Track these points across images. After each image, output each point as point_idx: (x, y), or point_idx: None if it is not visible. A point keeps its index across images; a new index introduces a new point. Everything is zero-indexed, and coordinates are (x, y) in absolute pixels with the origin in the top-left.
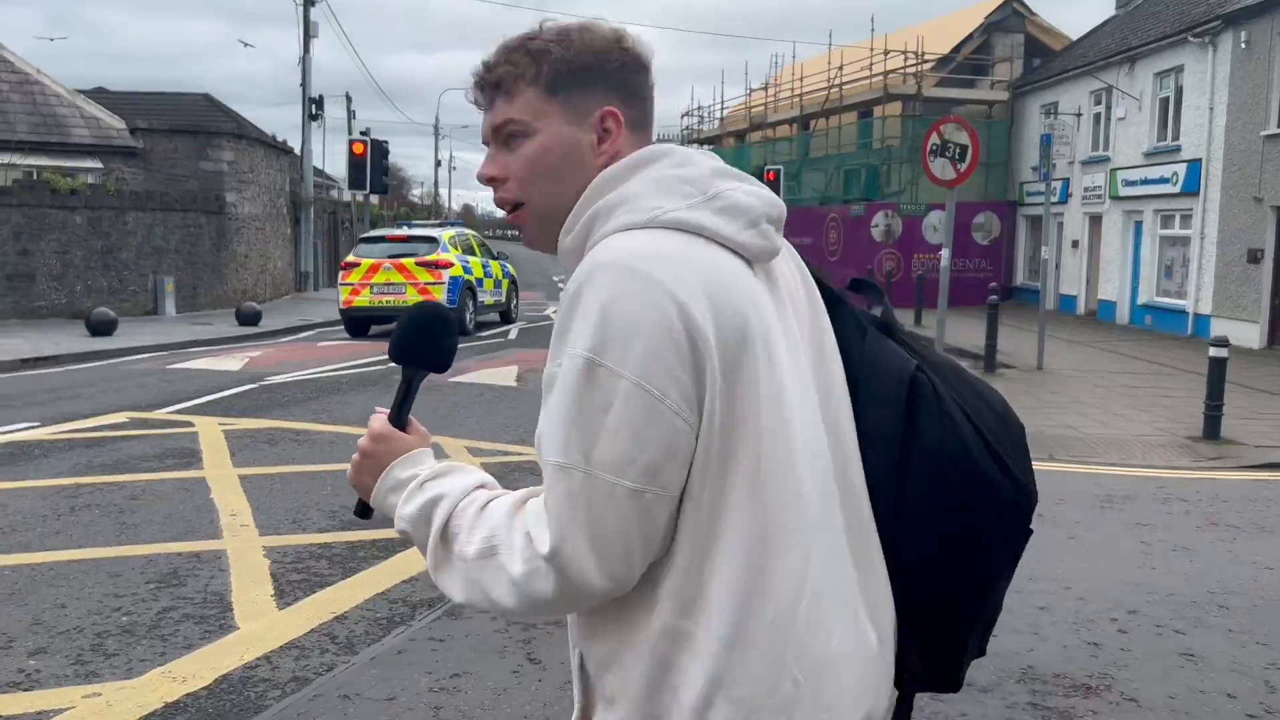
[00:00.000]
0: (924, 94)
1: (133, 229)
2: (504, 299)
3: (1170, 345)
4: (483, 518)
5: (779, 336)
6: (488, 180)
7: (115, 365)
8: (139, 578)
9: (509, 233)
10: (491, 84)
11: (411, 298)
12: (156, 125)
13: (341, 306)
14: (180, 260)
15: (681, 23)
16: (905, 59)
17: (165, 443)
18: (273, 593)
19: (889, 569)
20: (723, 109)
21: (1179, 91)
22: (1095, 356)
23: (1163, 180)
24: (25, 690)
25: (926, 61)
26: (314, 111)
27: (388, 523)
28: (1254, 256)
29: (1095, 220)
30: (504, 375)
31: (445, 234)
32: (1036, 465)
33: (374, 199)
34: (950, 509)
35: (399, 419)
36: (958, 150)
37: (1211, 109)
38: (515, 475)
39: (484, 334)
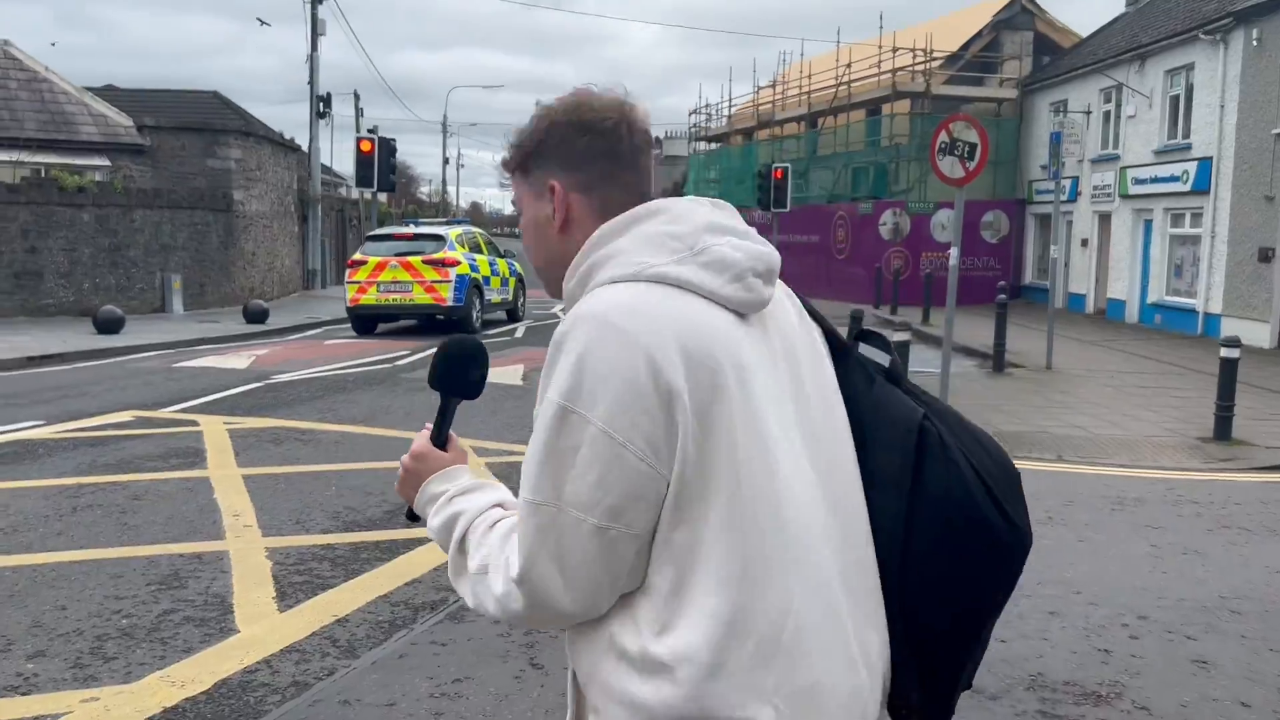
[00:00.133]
0: (932, 92)
1: (140, 227)
2: (511, 297)
3: (1180, 344)
4: (487, 537)
5: (762, 383)
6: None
7: (122, 363)
8: (140, 579)
9: (516, 230)
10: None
11: (418, 296)
12: (164, 123)
13: (348, 304)
14: (187, 258)
15: (690, 20)
16: (914, 56)
17: (170, 442)
18: (274, 595)
19: (894, 606)
20: (730, 106)
21: (1189, 89)
22: (1104, 356)
23: (1173, 179)
24: (23, 694)
25: (935, 59)
26: (321, 109)
27: (389, 524)
28: (1265, 255)
29: (1105, 219)
30: (510, 374)
31: (452, 232)
32: (1046, 466)
33: (382, 197)
34: (954, 551)
35: (439, 438)
36: (966, 148)
37: (1222, 107)
38: (518, 476)
39: (491, 332)
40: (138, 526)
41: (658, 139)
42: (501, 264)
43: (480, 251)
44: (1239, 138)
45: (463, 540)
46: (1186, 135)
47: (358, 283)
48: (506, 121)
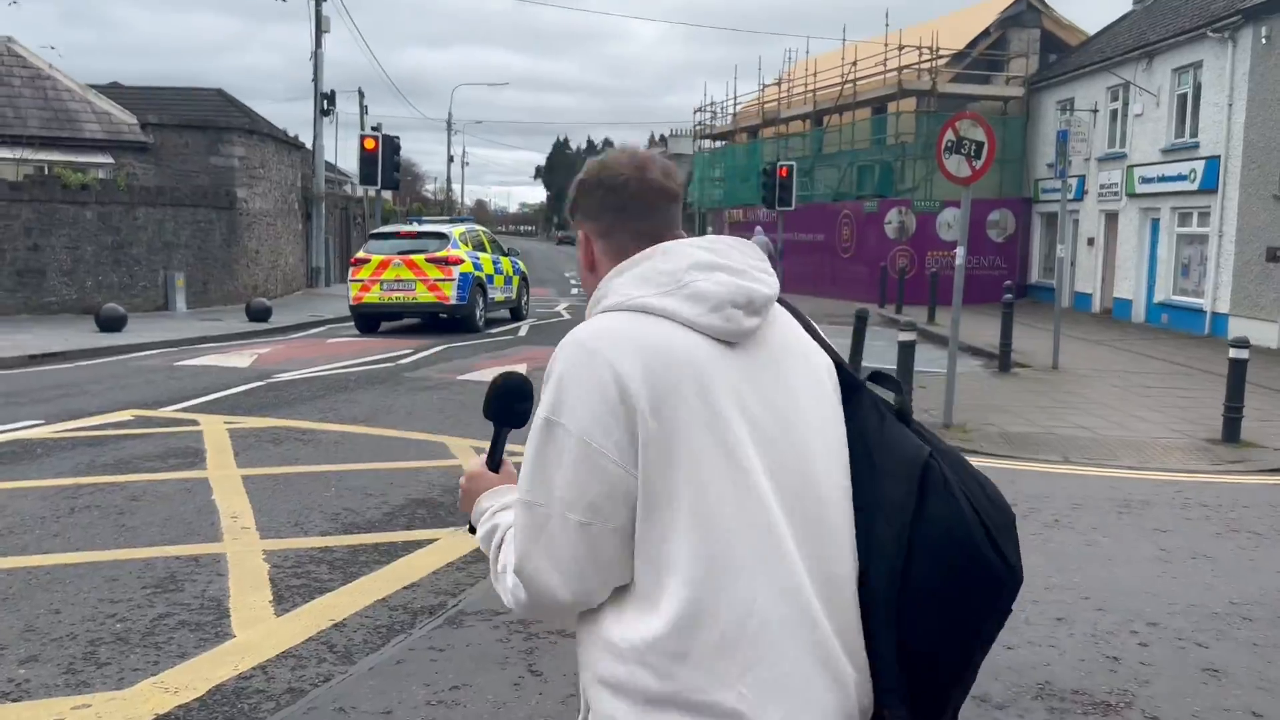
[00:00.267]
0: (939, 90)
1: (143, 224)
2: (514, 295)
3: (1187, 344)
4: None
5: (733, 401)
6: None
7: (124, 361)
8: (135, 582)
9: (521, 228)
10: None
11: (421, 294)
12: (167, 120)
13: (351, 303)
14: (191, 256)
15: (695, 18)
16: (920, 54)
17: (169, 441)
18: (271, 598)
19: (889, 629)
20: (735, 104)
21: (1197, 88)
22: (1111, 355)
23: (1180, 177)
24: (14, 700)
25: (941, 57)
26: (326, 107)
27: (388, 526)
28: (1273, 255)
29: (1111, 217)
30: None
31: (456, 230)
32: (1052, 467)
33: (386, 194)
34: (949, 582)
35: (493, 462)
36: (973, 147)
37: (1230, 105)
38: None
39: (494, 330)
40: (135, 528)
41: (662, 137)
42: (505, 262)
43: (484, 250)
44: (1247, 136)
45: (499, 547)
46: (1194, 134)
47: (361, 281)
48: (511, 119)
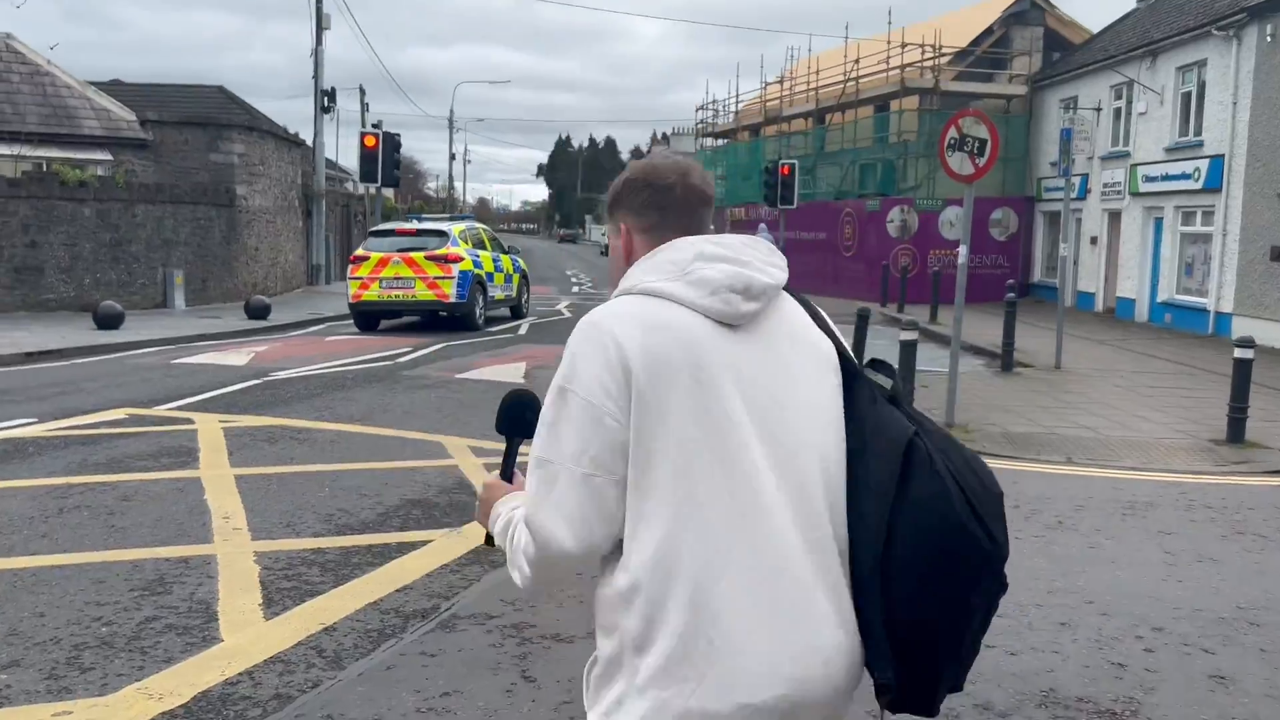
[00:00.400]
0: (941, 88)
1: (142, 221)
2: (515, 294)
3: (1191, 344)
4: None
5: (728, 376)
6: None
7: (121, 359)
8: (123, 585)
9: (523, 227)
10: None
11: (420, 292)
12: (167, 117)
13: (350, 301)
14: (190, 253)
15: (698, 16)
16: (923, 52)
17: (163, 440)
18: (261, 601)
19: (877, 598)
20: (738, 103)
21: (1201, 86)
22: (1114, 355)
23: (1184, 176)
24: None
25: (944, 55)
26: (326, 104)
27: (382, 527)
28: (1277, 254)
29: (1114, 216)
30: (512, 372)
31: (455, 228)
32: (1055, 468)
33: (388, 192)
34: (934, 556)
35: (506, 473)
36: (976, 144)
37: (1235, 104)
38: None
39: (494, 329)
40: (125, 529)
41: (664, 136)
42: (505, 260)
43: (484, 247)
44: (1252, 135)
45: (513, 537)
46: (1198, 132)
47: (360, 279)
48: (513, 117)
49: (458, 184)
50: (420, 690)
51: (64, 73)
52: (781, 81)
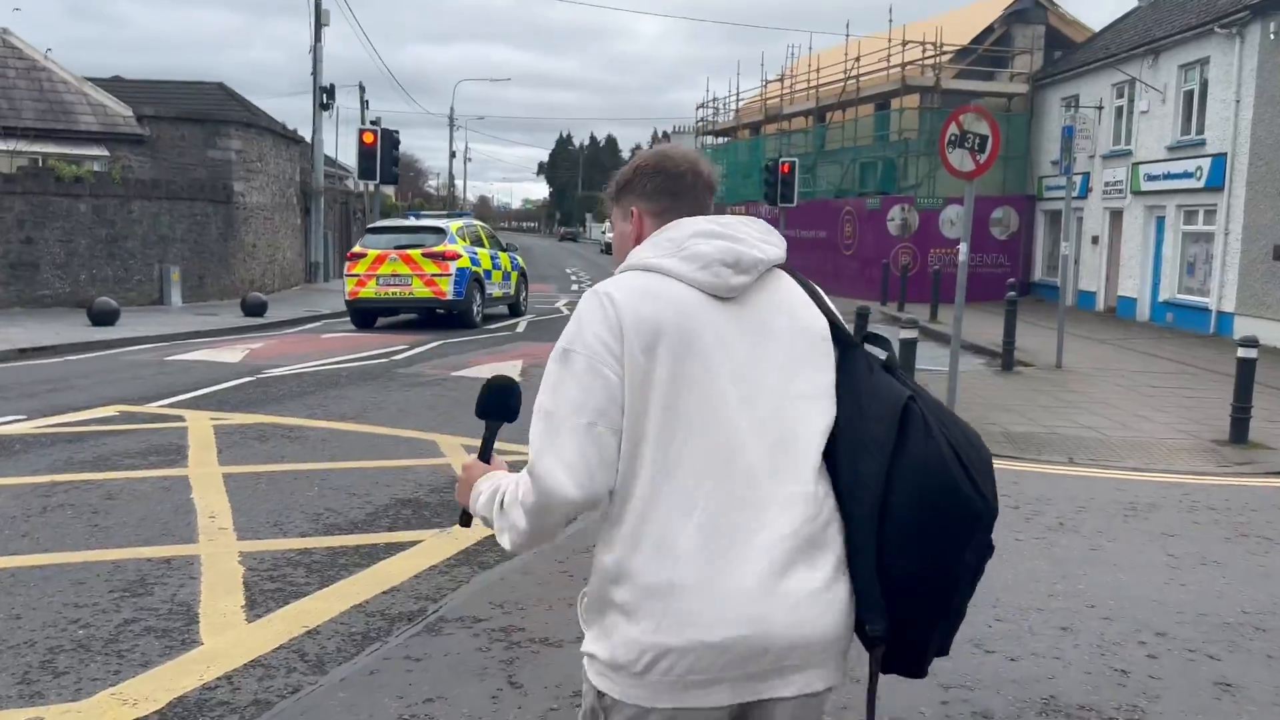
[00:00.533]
0: (942, 86)
1: (138, 218)
2: (512, 291)
3: (1192, 343)
4: (515, 483)
5: (716, 340)
6: None
7: (115, 356)
8: (103, 586)
9: (524, 225)
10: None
11: (418, 289)
12: (164, 113)
13: (347, 298)
14: (186, 250)
15: (698, 14)
16: (924, 50)
17: (152, 438)
18: (243, 603)
19: (872, 552)
20: (738, 101)
21: (1204, 84)
22: (1115, 354)
23: (1186, 175)
24: None
25: (945, 53)
26: (325, 101)
27: (371, 527)
28: (1279, 253)
29: (1116, 215)
30: (508, 370)
31: (453, 225)
32: (1056, 469)
33: (389, 190)
34: (928, 511)
35: (484, 456)
36: (977, 140)
37: (1238, 102)
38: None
39: (491, 326)
40: (108, 528)
41: (665, 134)
42: (504, 257)
43: (481, 245)
44: (1255, 133)
45: (503, 501)
46: (1200, 131)
47: (357, 276)
48: (513, 115)
49: (458, 182)
50: (403, 696)
51: (61, 68)
52: (782, 80)
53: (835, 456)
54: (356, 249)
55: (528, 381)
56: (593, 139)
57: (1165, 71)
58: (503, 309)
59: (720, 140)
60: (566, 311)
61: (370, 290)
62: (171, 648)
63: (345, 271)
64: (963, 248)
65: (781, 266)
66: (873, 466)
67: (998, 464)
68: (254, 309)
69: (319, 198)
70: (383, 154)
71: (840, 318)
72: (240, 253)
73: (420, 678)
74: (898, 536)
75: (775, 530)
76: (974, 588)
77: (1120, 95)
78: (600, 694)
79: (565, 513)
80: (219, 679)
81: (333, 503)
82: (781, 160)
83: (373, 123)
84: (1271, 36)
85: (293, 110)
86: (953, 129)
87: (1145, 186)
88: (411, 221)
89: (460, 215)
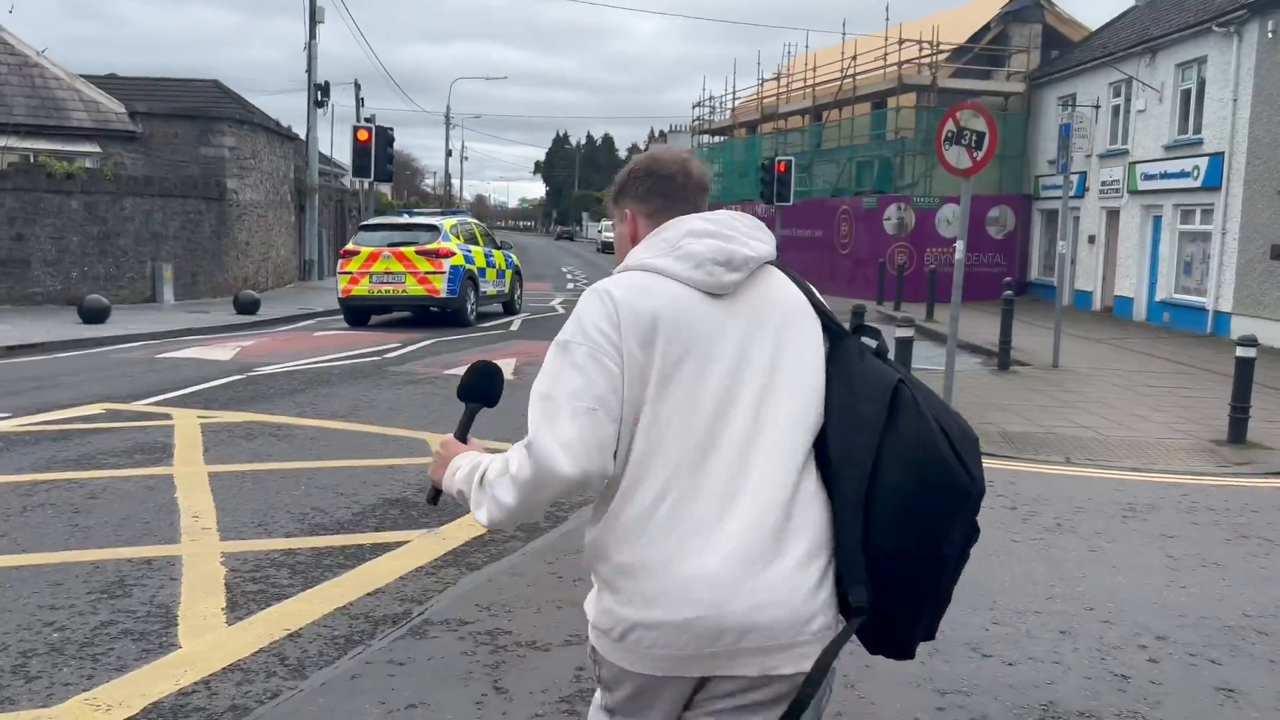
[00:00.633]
0: (939, 85)
1: (130, 215)
2: (507, 289)
3: (1189, 343)
4: (495, 463)
5: (708, 336)
6: None
7: (105, 354)
8: (81, 587)
9: (520, 224)
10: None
11: (411, 287)
12: (157, 110)
13: (340, 295)
14: (179, 247)
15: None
16: (920, 49)
17: (138, 436)
18: (224, 605)
19: (862, 527)
20: (734, 100)
21: (1201, 83)
22: (1112, 354)
23: (1183, 174)
24: None
25: (942, 52)
26: (320, 98)
27: (357, 528)
28: (1277, 253)
29: (1113, 215)
30: (502, 368)
31: (447, 223)
32: (1054, 469)
33: (385, 188)
34: (916, 486)
35: (461, 436)
36: (974, 137)
37: (1235, 101)
38: None
39: (485, 325)
40: (89, 528)
41: (661, 133)
42: (498, 255)
43: (476, 242)
44: (1252, 132)
45: (483, 476)
46: (1198, 130)
47: (350, 273)
48: (510, 114)
49: (455, 181)
50: (385, 701)
51: (53, 64)
52: (778, 78)
53: (826, 434)
54: (350, 246)
55: (521, 380)
56: (589, 138)
57: (1162, 70)
58: (497, 307)
59: (717, 139)
60: (562, 310)
61: (363, 288)
62: (149, 651)
63: (338, 269)
64: (959, 245)
65: (773, 263)
66: (862, 442)
67: (994, 464)
68: (246, 307)
69: (313, 195)
70: (377, 151)
71: (831, 311)
72: (233, 250)
73: (403, 682)
74: (887, 514)
75: (745, 517)
76: (960, 570)
77: (1117, 94)
78: (593, 647)
79: (557, 490)
80: (196, 684)
81: (319, 502)
82: (778, 159)
83: (367, 120)
84: (1269, 35)
85: (289, 108)
86: (950, 125)
87: (1142, 186)
88: (405, 219)
89: (455, 213)
